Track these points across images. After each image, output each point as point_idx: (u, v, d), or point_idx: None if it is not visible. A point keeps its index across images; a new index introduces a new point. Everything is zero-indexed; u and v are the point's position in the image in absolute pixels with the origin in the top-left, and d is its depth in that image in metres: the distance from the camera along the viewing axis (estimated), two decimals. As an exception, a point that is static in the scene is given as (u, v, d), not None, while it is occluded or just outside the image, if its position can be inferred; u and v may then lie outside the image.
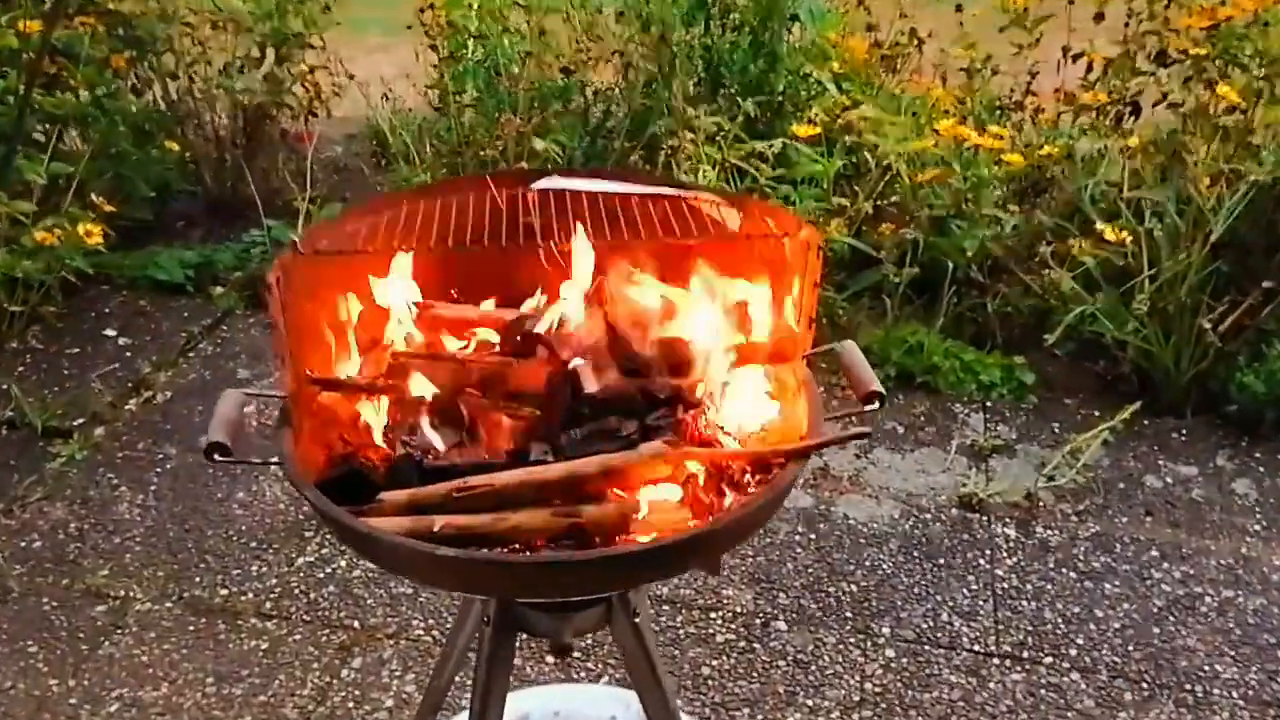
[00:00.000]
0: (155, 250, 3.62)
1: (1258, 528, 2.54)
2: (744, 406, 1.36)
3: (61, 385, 3.03)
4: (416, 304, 1.43)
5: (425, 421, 1.32)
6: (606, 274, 1.42)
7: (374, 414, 1.35)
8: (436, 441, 1.30)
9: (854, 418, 1.37)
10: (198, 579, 2.35)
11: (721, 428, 1.33)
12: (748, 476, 1.28)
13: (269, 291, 1.22)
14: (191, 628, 2.22)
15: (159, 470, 2.70)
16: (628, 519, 1.20)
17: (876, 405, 1.30)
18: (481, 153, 3.37)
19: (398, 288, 1.41)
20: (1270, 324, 2.87)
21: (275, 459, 1.24)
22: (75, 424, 2.85)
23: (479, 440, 1.31)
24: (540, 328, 1.39)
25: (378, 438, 1.34)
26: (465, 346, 1.44)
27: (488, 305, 1.52)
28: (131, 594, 2.31)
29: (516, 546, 1.19)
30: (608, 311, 1.41)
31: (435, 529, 1.16)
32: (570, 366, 1.33)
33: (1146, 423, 2.90)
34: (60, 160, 3.05)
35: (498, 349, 1.43)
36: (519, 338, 1.39)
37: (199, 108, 3.85)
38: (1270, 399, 2.80)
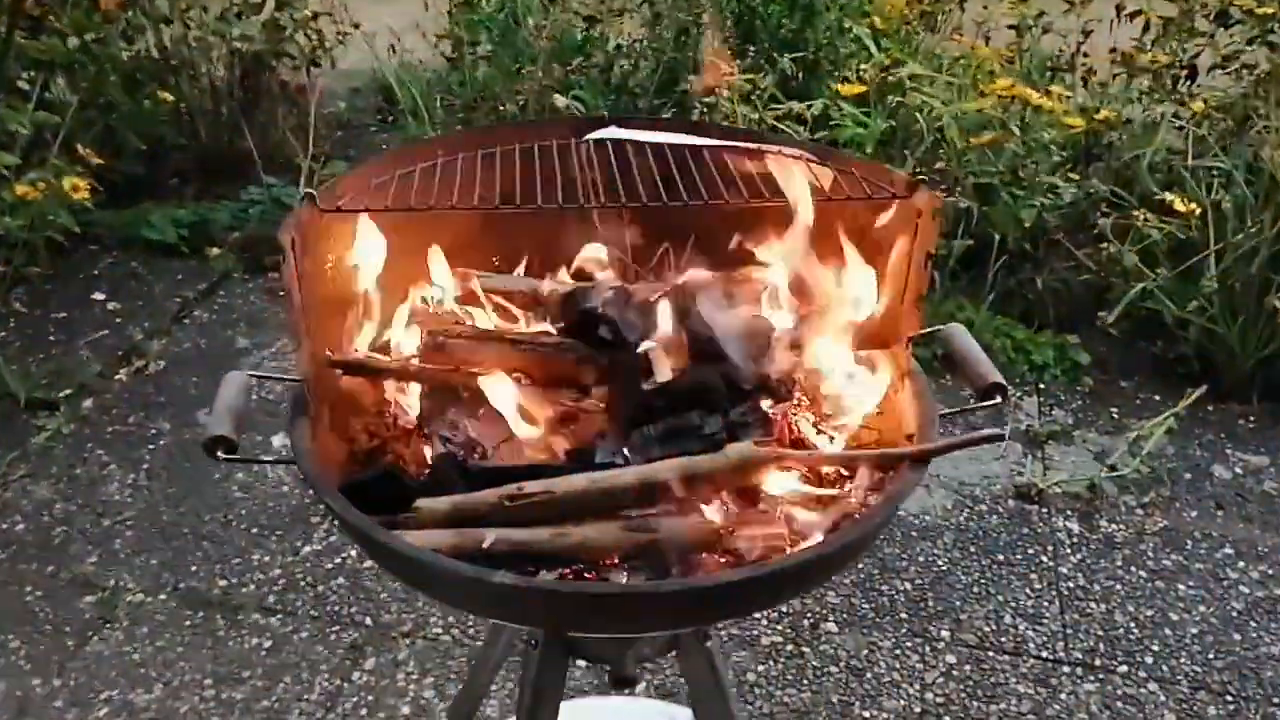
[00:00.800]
0: (147, 208, 3.43)
1: (1338, 524, 2.37)
2: (841, 399, 1.16)
3: (47, 353, 2.85)
4: (455, 273, 1.22)
5: (468, 413, 1.12)
6: (675, 242, 1.22)
7: (406, 403, 1.15)
8: (482, 438, 1.10)
9: (973, 414, 1.17)
10: (194, 568, 2.17)
11: (817, 425, 1.13)
12: (848, 484, 1.08)
13: (282, 256, 1.02)
14: (188, 623, 2.04)
15: (152, 447, 2.51)
16: (713, 537, 1.00)
17: (998, 400, 1.11)
18: (499, 109, 3.15)
19: (434, 254, 1.20)
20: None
21: (290, 458, 1.04)
22: (61, 395, 2.66)
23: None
24: (602, 304, 1.18)
25: (410, 432, 1.14)
26: (513, 324, 1.23)
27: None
28: (122, 584, 2.13)
29: (580, 567, 1.00)
30: (679, 286, 1.20)
31: (485, 545, 0.97)
32: (639, 350, 1.12)
33: (1210, 408, 2.71)
34: (46, 110, 2.89)
35: (552, 328, 1.22)
36: (577, 315, 1.18)
37: (194, 56, 3.64)
38: (1346, 385, 2.62)
